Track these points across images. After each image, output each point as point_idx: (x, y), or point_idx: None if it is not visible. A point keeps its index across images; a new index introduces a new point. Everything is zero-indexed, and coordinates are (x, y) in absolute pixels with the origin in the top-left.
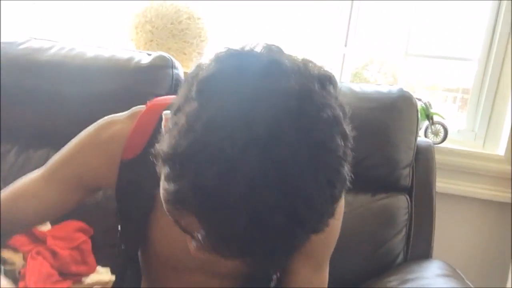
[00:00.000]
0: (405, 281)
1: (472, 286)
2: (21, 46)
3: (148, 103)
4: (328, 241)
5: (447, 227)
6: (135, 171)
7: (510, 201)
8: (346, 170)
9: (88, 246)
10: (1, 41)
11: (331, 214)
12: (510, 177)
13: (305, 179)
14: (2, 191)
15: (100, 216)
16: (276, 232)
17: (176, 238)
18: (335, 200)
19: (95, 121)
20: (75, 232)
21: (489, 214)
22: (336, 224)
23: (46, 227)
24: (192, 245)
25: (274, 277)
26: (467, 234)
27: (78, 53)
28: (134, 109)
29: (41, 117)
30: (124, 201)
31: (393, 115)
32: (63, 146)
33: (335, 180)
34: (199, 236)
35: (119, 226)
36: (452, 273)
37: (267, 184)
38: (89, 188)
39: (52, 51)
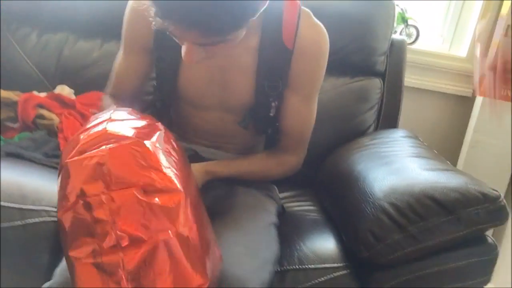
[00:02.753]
0: (374, 139)
1: (428, 146)
2: None
3: None
4: (313, 77)
5: (414, 116)
6: None
7: (470, 95)
8: None
9: None
10: None
11: None
12: (470, 75)
13: None
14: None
15: None
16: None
17: (198, 84)
18: None
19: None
20: (99, 101)
21: (449, 106)
22: (321, 64)
23: (72, 96)
24: (182, 51)
25: (273, 104)
26: (431, 122)
27: None
28: None
29: (57, 4)
30: (160, 50)
31: (373, 8)
32: (79, 30)
33: None
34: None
35: (155, 82)
36: (414, 136)
37: None
38: (148, 49)
39: None
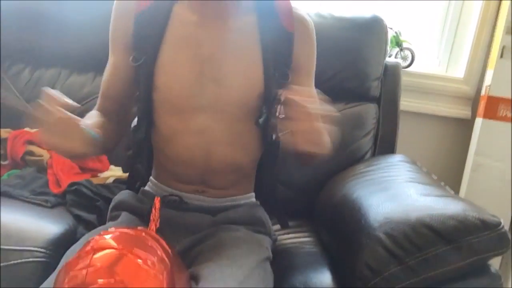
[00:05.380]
0: (371, 166)
1: (426, 171)
2: None
3: None
4: (312, 56)
5: (413, 141)
6: (145, 20)
7: (469, 118)
8: None
9: None
10: None
11: None
12: (468, 97)
13: None
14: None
15: None
16: None
17: (180, 82)
18: None
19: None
20: None
21: (448, 129)
22: (315, 42)
23: None
24: None
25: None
26: (430, 146)
27: None
28: None
29: (50, 40)
30: (138, 47)
31: (364, 34)
32: (71, 65)
33: None
34: None
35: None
36: (412, 161)
37: None
38: (130, 48)
39: None
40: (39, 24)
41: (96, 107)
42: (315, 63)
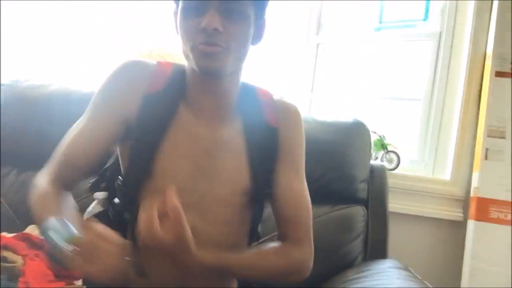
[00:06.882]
0: (361, 272)
1: (420, 278)
2: (25, 84)
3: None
4: (299, 150)
5: (402, 243)
6: (155, 103)
7: (462, 219)
8: None
9: None
10: (5, 81)
11: None
12: (456, 198)
13: None
14: (62, 146)
15: None
16: None
17: (178, 174)
18: None
19: None
20: None
21: (440, 231)
22: (302, 132)
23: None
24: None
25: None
26: (424, 249)
27: (76, 88)
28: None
29: (41, 144)
30: (141, 129)
31: (349, 137)
32: None
33: None
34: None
35: (123, 166)
36: (404, 267)
37: None
38: (125, 122)
39: (53, 87)
40: (27, 127)
41: (52, 170)
42: (303, 151)
